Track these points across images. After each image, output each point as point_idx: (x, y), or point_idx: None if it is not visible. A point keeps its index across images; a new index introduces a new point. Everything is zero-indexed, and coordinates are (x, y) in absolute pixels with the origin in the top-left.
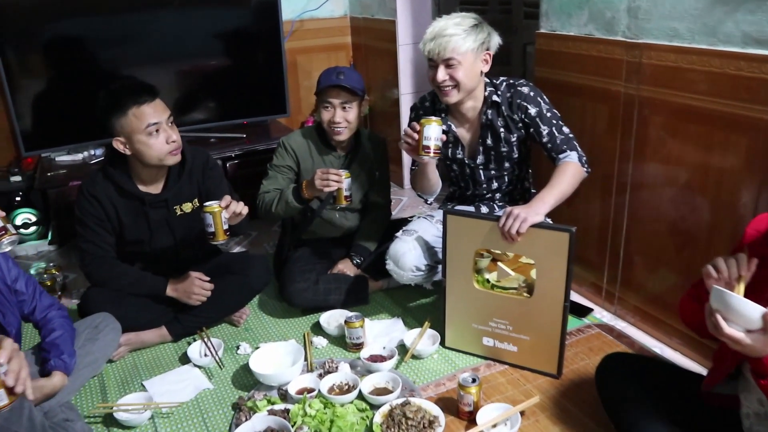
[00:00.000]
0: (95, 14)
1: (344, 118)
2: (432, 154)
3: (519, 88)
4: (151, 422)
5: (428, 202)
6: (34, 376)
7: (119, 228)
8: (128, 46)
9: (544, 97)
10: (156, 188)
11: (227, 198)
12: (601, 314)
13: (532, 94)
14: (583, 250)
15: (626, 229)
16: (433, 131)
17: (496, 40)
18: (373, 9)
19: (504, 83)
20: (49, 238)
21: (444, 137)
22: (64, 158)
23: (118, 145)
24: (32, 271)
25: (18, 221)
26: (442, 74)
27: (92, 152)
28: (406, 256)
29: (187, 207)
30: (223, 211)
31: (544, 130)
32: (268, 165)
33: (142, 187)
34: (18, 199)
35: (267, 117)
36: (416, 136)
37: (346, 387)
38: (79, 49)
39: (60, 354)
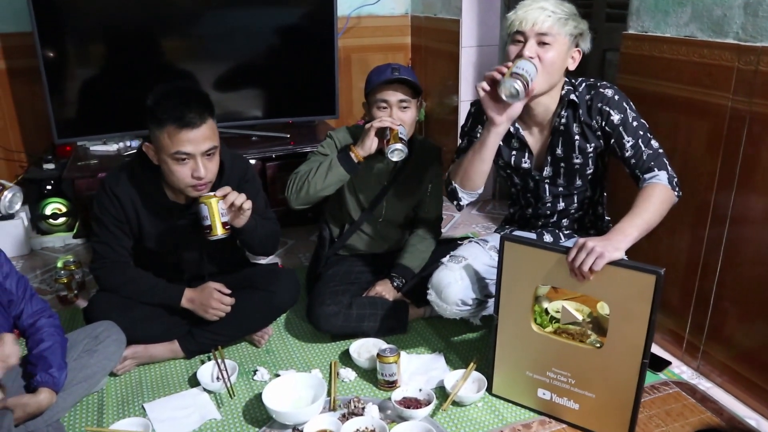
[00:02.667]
0: (137, 6)
1: (401, 118)
2: (522, 91)
3: (601, 90)
4: None
5: (461, 204)
6: (20, 391)
7: (139, 234)
8: (174, 37)
9: (631, 103)
10: (186, 198)
11: (226, 188)
12: (681, 369)
13: (616, 98)
14: (663, 292)
15: (720, 271)
16: (530, 67)
17: (588, 41)
18: (436, 8)
19: (583, 84)
20: (75, 231)
21: (532, 88)
22: (98, 148)
23: (148, 151)
24: (59, 264)
25: (47, 211)
26: (530, 50)
27: (128, 143)
28: (451, 288)
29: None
30: (220, 201)
31: (628, 141)
32: (310, 152)
33: (171, 195)
34: (48, 188)
35: (314, 117)
36: (506, 68)
37: None
38: (120, 39)
39: (48, 368)
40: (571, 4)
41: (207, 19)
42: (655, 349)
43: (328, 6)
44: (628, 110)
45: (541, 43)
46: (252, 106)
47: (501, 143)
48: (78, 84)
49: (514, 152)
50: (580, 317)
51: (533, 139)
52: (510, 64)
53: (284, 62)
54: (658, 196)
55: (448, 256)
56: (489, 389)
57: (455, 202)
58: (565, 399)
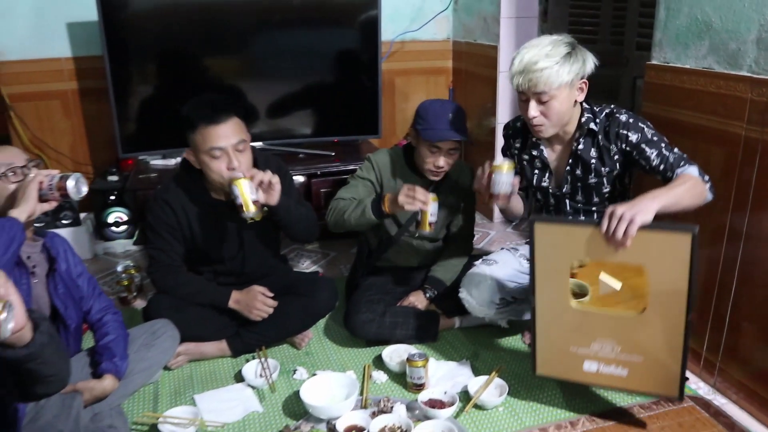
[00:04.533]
0: (198, 30)
1: (447, 162)
2: (500, 201)
3: (617, 116)
4: None
5: (513, 223)
6: (87, 377)
7: (190, 236)
8: (227, 59)
9: (648, 122)
10: (227, 195)
11: (253, 169)
12: (697, 385)
13: (631, 120)
14: None
15: (735, 291)
16: (503, 177)
17: (590, 64)
18: (476, 33)
19: (604, 112)
20: (135, 238)
21: (517, 181)
22: (157, 162)
23: (189, 156)
24: (119, 268)
25: (110, 219)
26: (533, 110)
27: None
28: (482, 286)
29: (258, 215)
30: (248, 181)
31: (652, 153)
32: (350, 176)
33: (214, 195)
34: (112, 198)
35: (358, 137)
36: (485, 182)
37: (399, 431)
38: (180, 60)
39: (112, 357)
40: (567, 40)
41: (260, 42)
42: None
43: (373, 32)
44: (645, 129)
45: (541, 101)
46: (300, 125)
47: (525, 164)
48: (140, 103)
49: (536, 171)
50: (618, 285)
51: (554, 156)
52: (487, 174)
53: (331, 84)
54: (688, 181)
55: (481, 260)
56: (533, 370)
57: (508, 221)
58: (613, 366)
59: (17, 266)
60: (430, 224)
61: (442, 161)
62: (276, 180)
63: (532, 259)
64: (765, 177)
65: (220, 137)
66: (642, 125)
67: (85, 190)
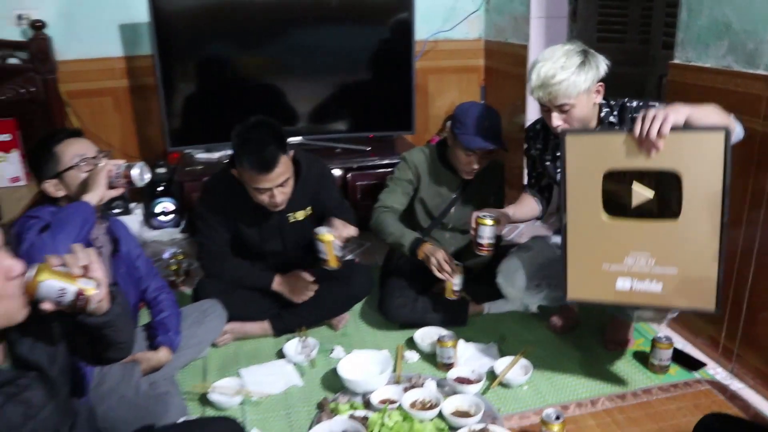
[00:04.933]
0: (240, 30)
1: (481, 164)
2: (485, 252)
3: (628, 104)
4: (240, 408)
5: (540, 218)
6: (144, 350)
7: (235, 229)
8: (269, 57)
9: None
10: None
11: (339, 226)
12: (716, 371)
13: (641, 103)
14: None
15: (752, 280)
16: (486, 231)
17: (603, 67)
18: (507, 33)
19: (619, 104)
20: (181, 227)
21: (500, 230)
22: (202, 156)
23: (235, 173)
24: (165, 255)
25: (158, 209)
26: (557, 120)
27: (228, 152)
28: (518, 273)
29: (300, 215)
30: (337, 242)
31: None
32: (388, 178)
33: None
34: (160, 189)
35: (393, 132)
36: (472, 232)
37: (429, 404)
38: (225, 59)
39: (167, 331)
40: (578, 49)
41: (300, 41)
42: (693, 352)
43: (407, 32)
44: (658, 104)
45: (563, 110)
46: (337, 121)
47: (548, 164)
48: (186, 99)
49: (559, 170)
50: (650, 194)
51: None
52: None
53: (367, 82)
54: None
55: (516, 247)
56: (564, 296)
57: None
58: (647, 282)
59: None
60: (453, 292)
61: (477, 164)
62: (355, 232)
63: (563, 174)
64: None
65: (266, 181)
66: (654, 102)
67: (148, 177)
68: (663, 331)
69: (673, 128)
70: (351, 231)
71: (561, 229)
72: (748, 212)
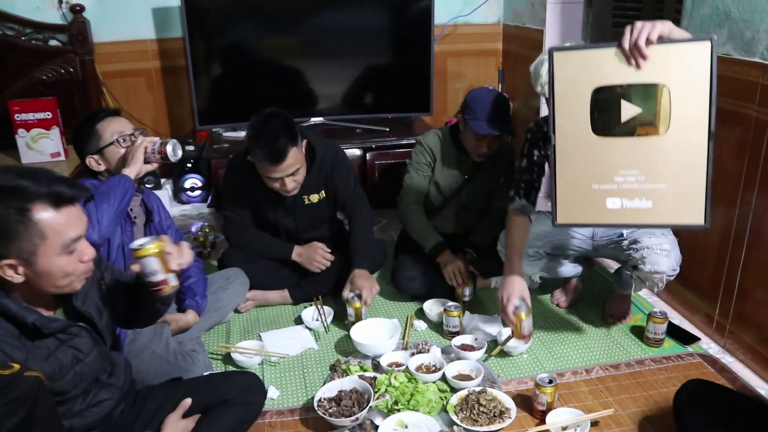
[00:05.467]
0: (265, 14)
1: (490, 148)
2: (530, 339)
3: None
4: (260, 367)
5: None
6: (173, 312)
7: (253, 205)
8: (293, 40)
9: None
10: None
11: (365, 291)
12: (708, 345)
13: None
14: (697, 278)
15: (744, 259)
16: (527, 323)
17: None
18: (524, 17)
19: None
20: (209, 202)
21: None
22: (229, 134)
23: (250, 159)
24: (193, 228)
25: (186, 185)
26: None
27: None
28: None
29: (314, 197)
30: (364, 309)
31: None
32: (407, 161)
33: None
34: (189, 165)
35: (411, 114)
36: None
37: (433, 368)
38: (251, 42)
39: (194, 296)
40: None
41: (322, 25)
42: (689, 327)
43: (426, 16)
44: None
45: None
46: (357, 102)
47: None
48: (215, 80)
49: None
50: (638, 109)
51: None
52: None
53: (387, 65)
54: None
55: None
56: (554, 220)
57: None
58: (636, 200)
59: None
60: (463, 301)
61: (486, 148)
62: (377, 290)
63: (551, 92)
64: None
65: (277, 172)
66: None
67: (180, 153)
68: (660, 306)
69: (661, 40)
70: (375, 292)
71: (551, 150)
72: (741, 194)
